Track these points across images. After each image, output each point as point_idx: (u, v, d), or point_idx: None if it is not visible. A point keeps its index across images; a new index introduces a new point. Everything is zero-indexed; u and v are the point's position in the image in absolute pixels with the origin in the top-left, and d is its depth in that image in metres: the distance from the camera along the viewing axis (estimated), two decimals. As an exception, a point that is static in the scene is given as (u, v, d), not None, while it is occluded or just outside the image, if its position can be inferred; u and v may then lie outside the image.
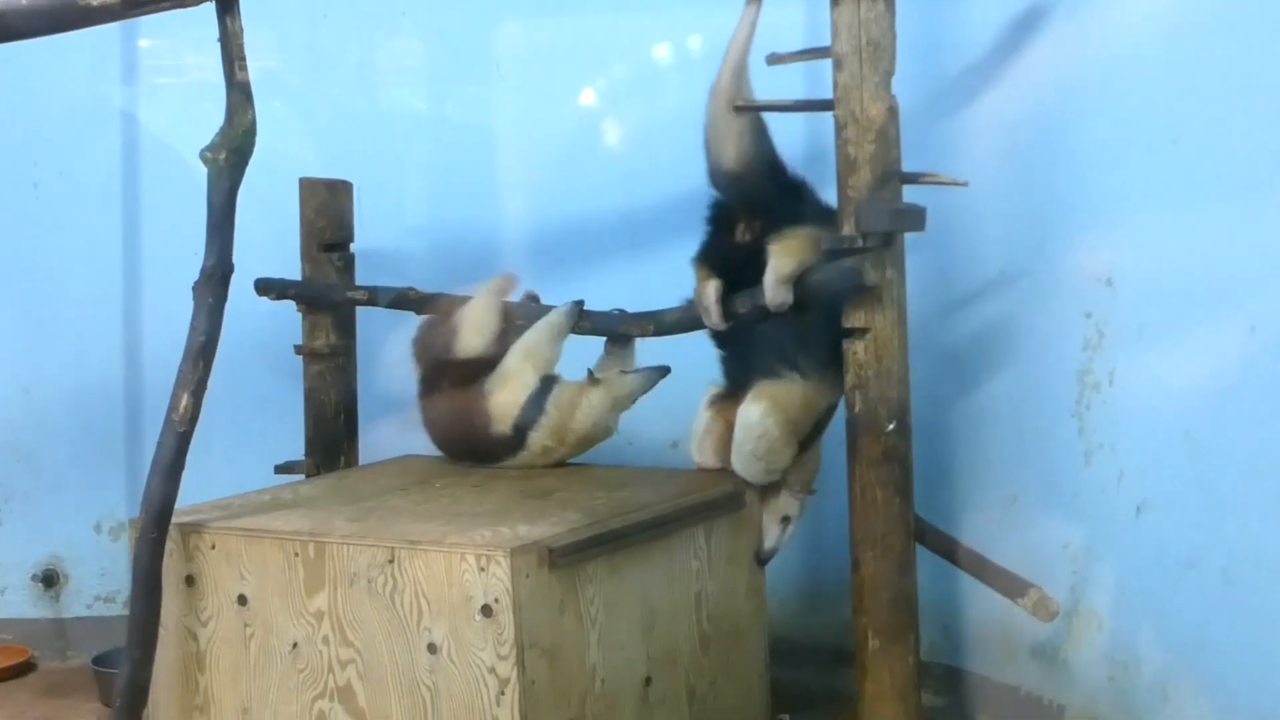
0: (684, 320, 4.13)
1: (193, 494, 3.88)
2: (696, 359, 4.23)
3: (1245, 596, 3.44)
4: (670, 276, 4.33)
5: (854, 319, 3.88)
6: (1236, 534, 3.46)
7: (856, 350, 3.88)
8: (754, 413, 3.95)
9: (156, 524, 3.63)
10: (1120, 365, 3.86)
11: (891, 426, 3.87)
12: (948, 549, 3.97)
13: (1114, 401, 3.88)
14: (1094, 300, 3.90)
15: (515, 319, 4.35)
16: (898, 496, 3.89)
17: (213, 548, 3.70)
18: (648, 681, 3.68)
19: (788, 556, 4.34)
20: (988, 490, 4.28)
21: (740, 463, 4.01)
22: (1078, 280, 3.95)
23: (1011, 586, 3.76)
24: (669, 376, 4.26)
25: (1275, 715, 3.33)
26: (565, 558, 3.43)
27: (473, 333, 4.31)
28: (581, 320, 4.33)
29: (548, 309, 4.33)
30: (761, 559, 4.09)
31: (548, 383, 4.22)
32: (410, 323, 4.57)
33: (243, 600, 3.66)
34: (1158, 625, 3.74)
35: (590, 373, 4.25)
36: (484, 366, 4.26)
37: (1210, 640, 3.57)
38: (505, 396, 4.20)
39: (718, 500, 3.95)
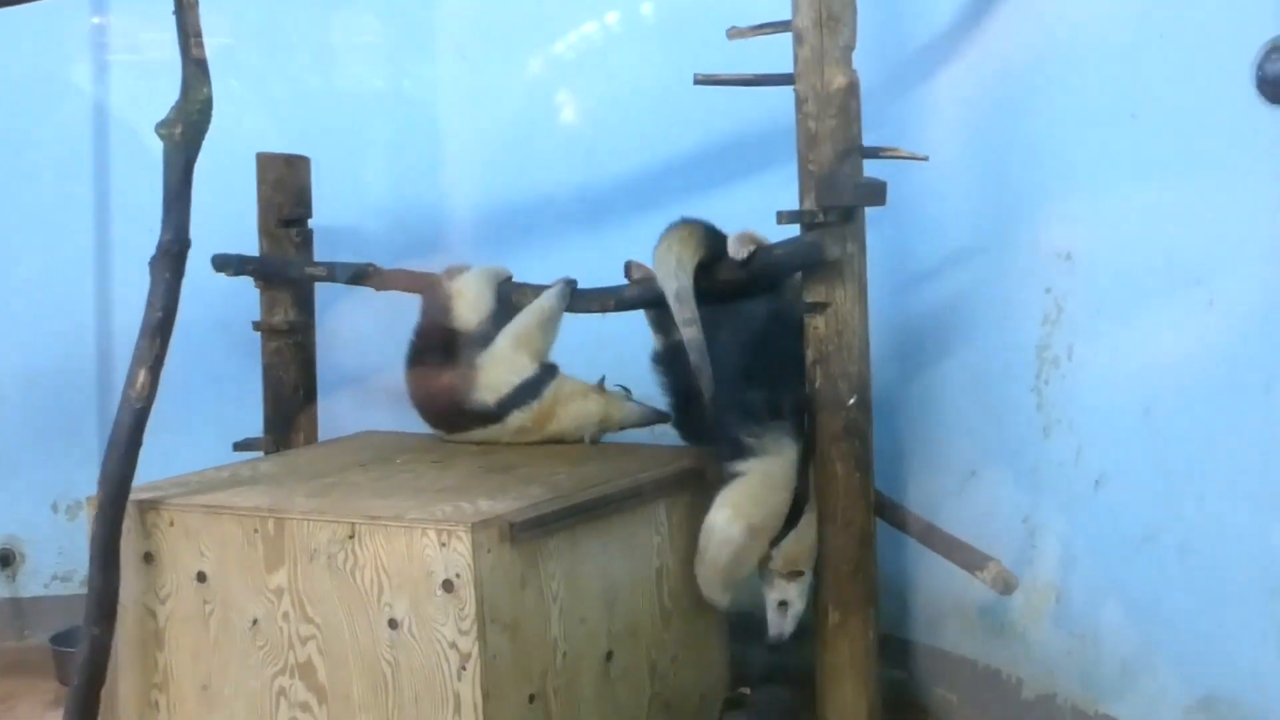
0: (643, 296, 4.12)
1: (151, 472, 3.85)
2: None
3: (1202, 570, 3.46)
4: (629, 251, 4.32)
5: (814, 294, 3.89)
6: (1193, 508, 3.48)
7: (817, 325, 3.89)
8: (718, 520, 3.81)
9: (114, 501, 3.61)
10: (1079, 340, 3.87)
11: (852, 401, 3.88)
12: (907, 523, 3.99)
13: (1073, 376, 3.90)
14: (1053, 275, 3.92)
15: (509, 298, 4.34)
16: (858, 471, 3.90)
17: (171, 525, 3.68)
18: (609, 656, 3.68)
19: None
20: (947, 465, 4.29)
21: (701, 573, 3.91)
22: (1037, 255, 3.96)
23: (970, 560, 3.77)
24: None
25: (1232, 688, 3.36)
26: (526, 533, 3.43)
27: (468, 309, 4.30)
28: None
29: (540, 289, 4.31)
30: (768, 645, 3.96)
31: (549, 371, 4.23)
32: (369, 299, 4.55)
33: (202, 577, 3.64)
34: (1116, 599, 3.76)
35: (602, 381, 4.27)
36: (476, 340, 4.25)
37: (1168, 614, 3.59)
38: (496, 375, 4.20)
39: (679, 476, 3.95)
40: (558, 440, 4.24)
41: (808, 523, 3.86)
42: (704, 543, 3.84)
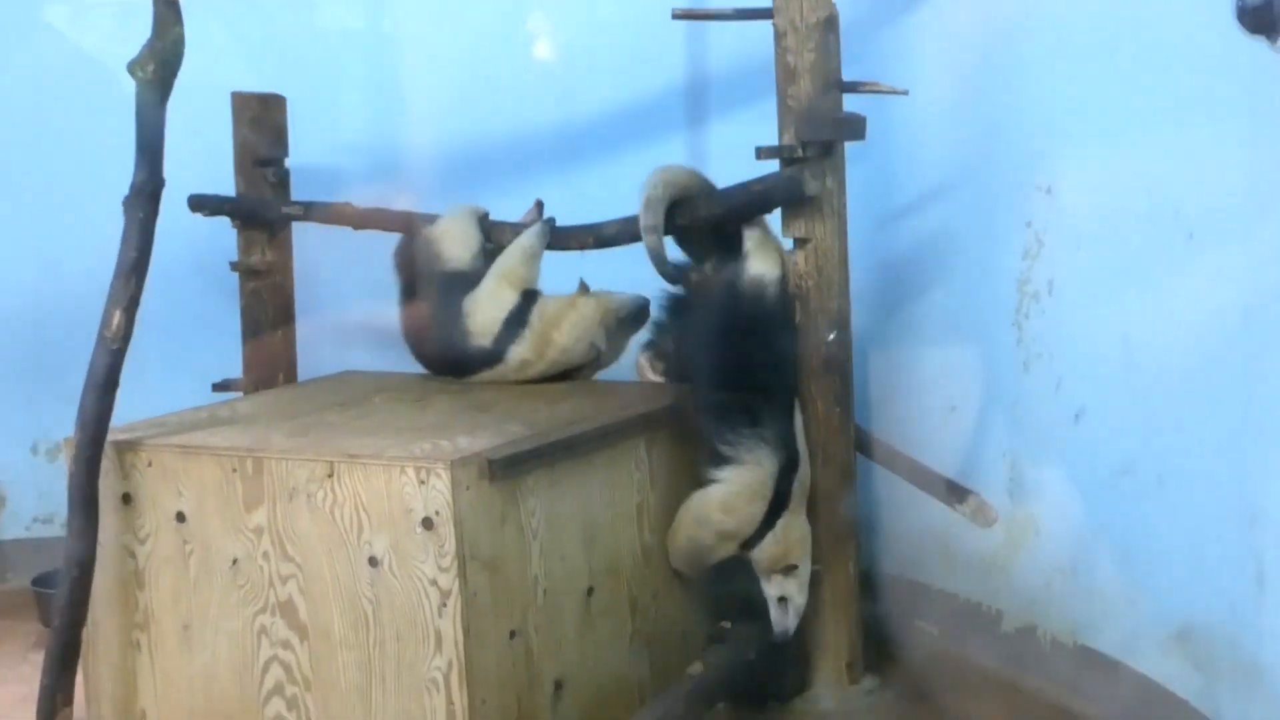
0: (623, 233, 4.10)
1: (129, 414, 3.84)
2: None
3: (1180, 501, 3.47)
4: (607, 189, 4.31)
5: (794, 229, 3.88)
6: (1172, 439, 3.49)
7: (797, 261, 3.88)
8: (684, 519, 3.86)
9: (92, 443, 3.59)
10: (1059, 274, 3.87)
11: (831, 337, 3.88)
12: (887, 458, 3.99)
13: (1053, 311, 3.90)
14: (1034, 209, 3.91)
15: (504, 238, 4.32)
16: (838, 406, 3.91)
17: (149, 465, 3.67)
18: (590, 592, 3.69)
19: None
20: (927, 400, 4.30)
21: (670, 549, 3.91)
22: (1018, 189, 3.96)
23: (951, 494, 3.79)
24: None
25: (1210, 618, 3.38)
26: (506, 470, 3.42)
27: (459, 248, 4.27)
28: (519, 235, 4.30)
29: (521, 227, 4.29)
30: (775, 640, 3.92)
31: (530, 297, 4.20)
32: (347, 238, 4.52)
33: (181, 517, 3.63)
34: (1095, 531, 3.78)
35: (582, 281, 4.23)
36: (467, 281, 4.23)
37: (1146, 545, 3.61)
38: (485, 315, 4.17)
39: (659, 413, 3.94)
40: (568, 370, 4.20)
41: (788, 524, 3.81)
42: (672, 530, 3.87)
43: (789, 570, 3.83)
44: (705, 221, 3.94)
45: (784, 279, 3.87)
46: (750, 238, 3.89)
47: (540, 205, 4.32)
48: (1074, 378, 3.83)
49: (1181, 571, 3.48)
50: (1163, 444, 3.53)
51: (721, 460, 3.78)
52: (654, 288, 4.10)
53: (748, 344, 3.80)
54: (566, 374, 4.23)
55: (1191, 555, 3.44)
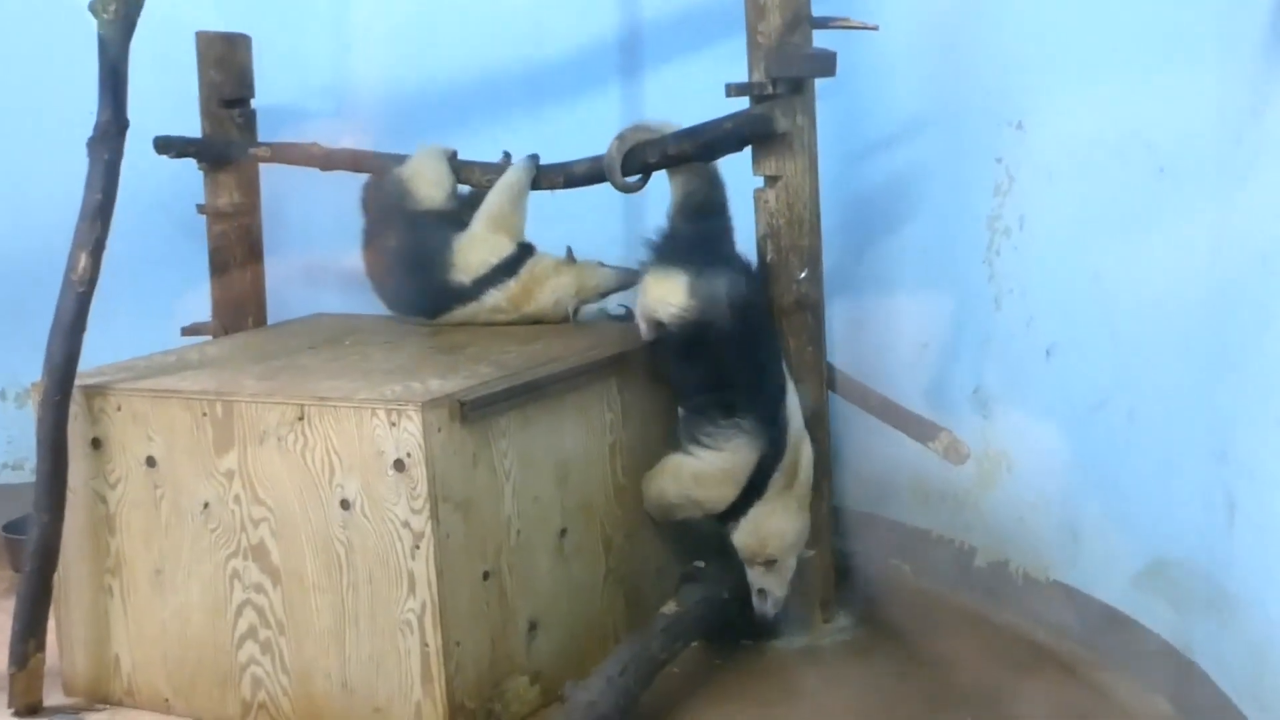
0: (593, 172, 4.08)
1: (98, 358, 3.82)
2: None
3: (1151, 434, 3.49)
4: (574, 128, 4.28)
5: (764, 167, 3.86)
6: (1143, 374, 3.50)
7: (768, 198, 3.86)
8: (651, 482, 3.87)
9: (60, 387, 3.57)
10: (1030, 210, 3.86)
11: (803, 275, 3.87)
12: (859, 395, 3.99)
13: (1024, 246, 3.89)
14: (1005, 144, 3.90)
15: (485, 179, 4.28)
16: (809, 344, 3.90)
17: (118, 410, 3.65)
18: (563, 533, 3.69)
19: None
20: (898, 336, 4.29)
21: (645, 492, 3.92)
22: (988, 124, 3.94)
23: (923, 431, 3.78)
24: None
25: (1181, 552, 3.40)
26: (477, 411, 3.41)
27: (431, 187, 4.24)
28: (489, 175, 4.27)
29: (490, 168, 4.25)
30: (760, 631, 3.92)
31: (525, 250, 4.18)
32: (315, 179, 4.49)
33: (151, 462, 3.62)
34: (1066, 466, 3.79)
35: (569, 251, 4.21)
36: (443, 221, 4.20)
37: (1118, 479, 3.62)
38: (474, 257, 4.15)
39: (631, 353, 3.93)
40: (537, 321, 4.19)
41: (763, 515, 3.76)
42: (649, 475, 3.87)
43: (769, 564, 3.79)
44: (675, 160, 3.91)
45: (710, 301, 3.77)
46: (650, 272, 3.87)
47: (508, 157, 4.29)
48: (1045, 314, 3.83)
49: (1153, 506, 3.49)
50: (1134, 379, 3.54)
51: (698, 443, 3.77)
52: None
53: (717, 356, 3.75)
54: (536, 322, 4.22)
55: (1163, 489, 3.45)
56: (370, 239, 4.33)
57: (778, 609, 3.85)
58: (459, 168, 4.28)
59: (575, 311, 4.21)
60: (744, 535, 3.79)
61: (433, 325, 4.21)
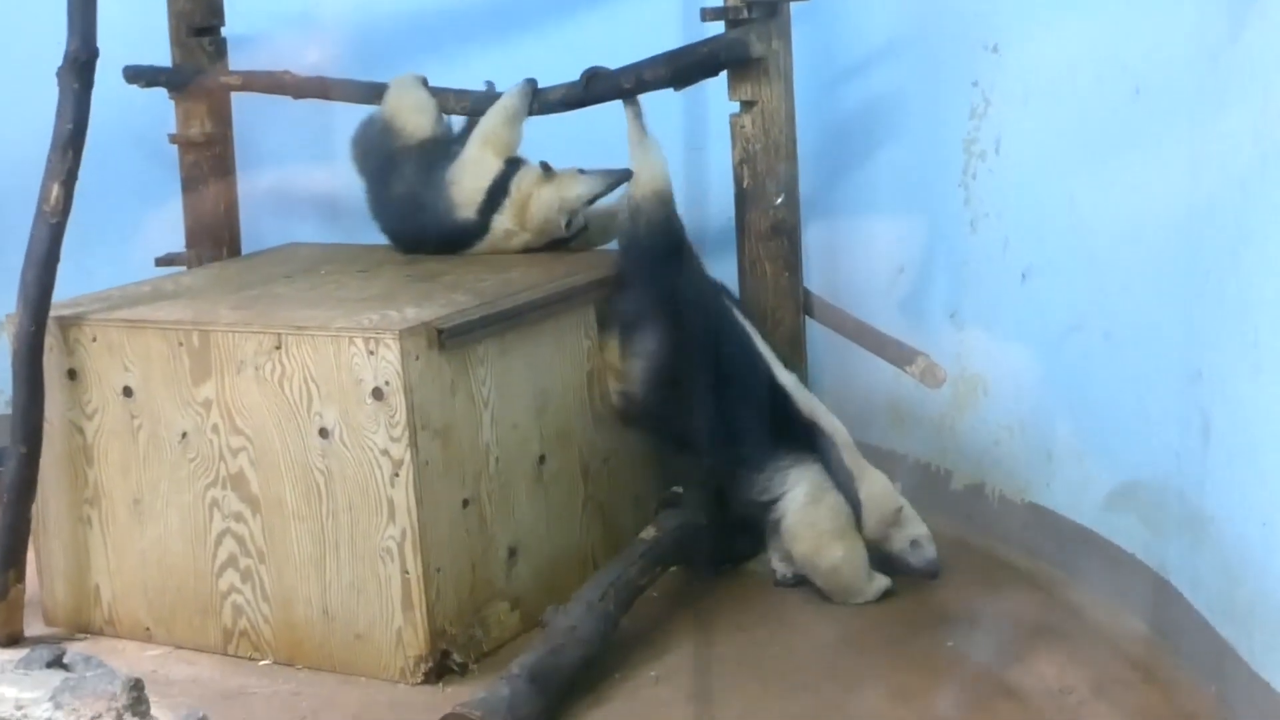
0: (569, 96, 4.06)
1: (72, 290, 3.81)
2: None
3: (1126, 356, 3.50)
4: (543, 56, 4.25)
5: (740, 92, 3.85)
6: (1117, 295, 3.51)
7: (743, 124, 3.85)
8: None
9: (34, 318, 3.56)
10: (1006, 133, 3.86)
11: (779, 200, 3.87)
12: (836, 320, 4.00)
13: (1000, 170, 3.89)
14: (980, 68, 3.89)
15: (460, 105, 4.24)
16: (786, 270, 3.90)
17: (94, 340, 3.64)
18: (541, 459, 3.70)
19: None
20: (875, 261, 4.30)
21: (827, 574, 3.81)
22: (964, 48, 3.93)
23: (899, 355, 3.79)
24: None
25: (1155, 472, 3.42)
26: (455, 339, 3.41)
27: (418, 116, 4.20)
28: (463, 101, 4.24)
29: (494, 95, 4.21)
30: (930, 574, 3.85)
31: (513, 165, 4.12)
32: (286, 107, 4.46)
33: (128, 392, 3.61)
34: (1042, 389, 3.81)
35: (544, 165, 4.14)
36: (438, 149, 4.16)
37: (1093, 401, 3.64)
38: (469, 183, 4.10)
39: (608, 279, 3.92)
40: (546, 235, 4.12)
41: (865, 493, 3.76)
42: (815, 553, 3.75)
43: (897, 516, 3.76)
44: (650, 85, 3.90)
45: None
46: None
47: (491, 86, 4.25)
48: (1021, 237, 3.84)
49: (1128, 427, 3.51)
50: (1109, 301, 3.55)
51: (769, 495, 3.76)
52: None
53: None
54: (556, 245, 4.15)
55: (1138, 411, 3.47)
56: (372, 184, 4.27)
57: (932, 543, 3.78)
58: (433, 94, 4.25)
59: (569, 225, 4.12)
60: (873, 519, 3.75)
61: (414, 255, 4.17)
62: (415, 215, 4.18)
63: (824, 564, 3.72)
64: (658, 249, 3.84)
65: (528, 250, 4.13)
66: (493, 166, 4.10)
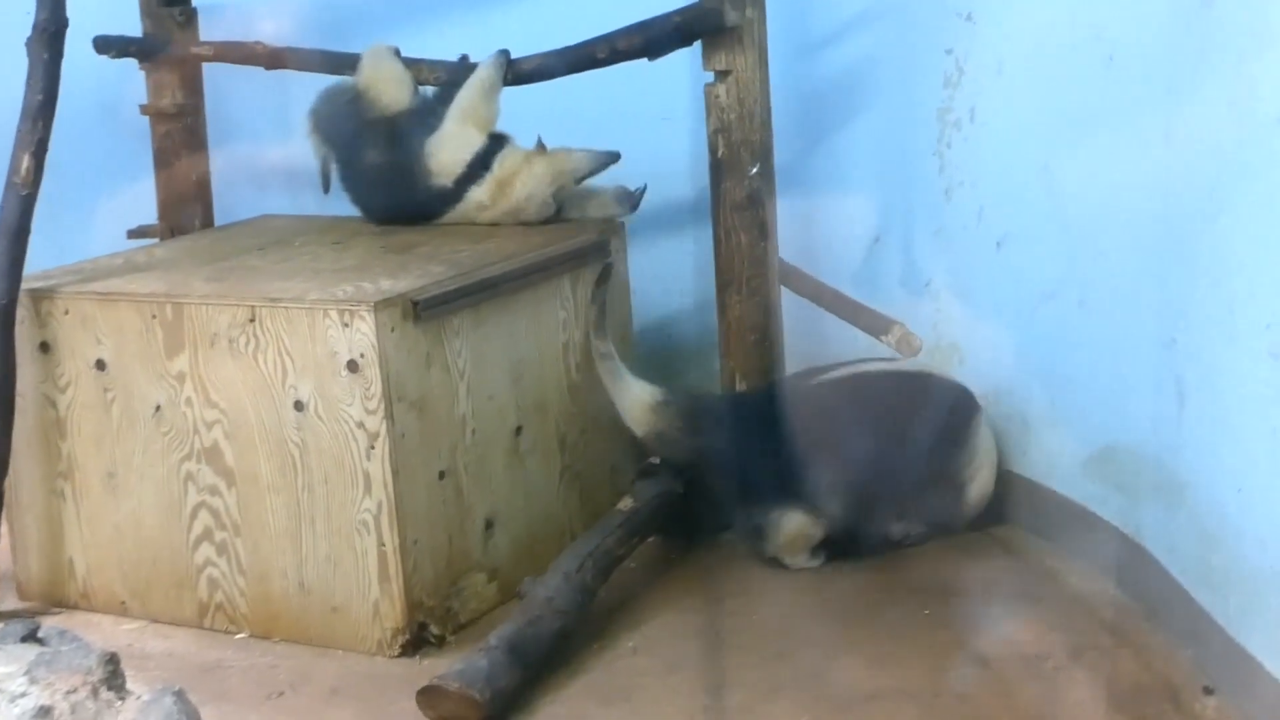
0: (543, 67, 4.04)
1: (43, 262, 3.78)
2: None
3: (1101, 323, 3.51)
4: (516, 26, 4.23)
5: (714, 61, 3.84)
6: (1092, 263, 3.52)
7: (718, 93, 3.84)
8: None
9: (6, 292, 3.54)
10: (980, 102, 3.86)
11: (754, 170, 3.86)
12: (812, 290, 4.00)
13: (974, 138, 3.89)
14: (954, 36, 3.88)
15: (434, 76, 4.22)
16: (761, 240, 3.90)
17: (66, 313, 3.61)
18: (518, 431, 3.69)
19: (650, 306, 4.36)
20: (850, 230, 4.29)
21: None
22: (938, 16, 3.92)
23: (875, 324, 3.80)
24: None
25: (1131, 439, 3.43)
26: (430, 310, 3.40)
27: (395, 88, 4.17)
28: (436, 72, 4.22)
29: (467, 65, 4.18)
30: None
31: (497, 141, 4.10)
32: (258, 78, 4.43)
33: (101, 365, 3.59)
34: (1018, 356, 3.82)
35: (540, 140, 4.13)
36: (415, 120, 4.14)
37: (1068, 368, 3.65)
38: (449, 155, 4.08)
39: (584, 249, 3.92)
40: (518, 215, 4.10)
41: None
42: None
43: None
44: (625, 56, 3.88)
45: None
46: None
47: (465, 59, 4.23)
48: (995, 205, 3.84)
49: (1103, 393, 3.52)
50: (1084, 269, 3.55)
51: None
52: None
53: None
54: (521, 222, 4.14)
55: (1113, 377, 3.48)
56: (344, 159, 4.24)
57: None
58: (407, 65, 4.22)
59: (558, 203, 4.11)
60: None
61: (389, 227, 4.16)
62: (389, 185, 4.16)
63: None
64: None
65: (493, 225, 4.11)
66: (475, 141, 4.08)
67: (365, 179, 4.20)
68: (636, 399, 3.80)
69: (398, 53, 4.23)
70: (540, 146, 4.11)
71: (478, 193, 4.09)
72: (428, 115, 4.15)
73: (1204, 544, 3.09)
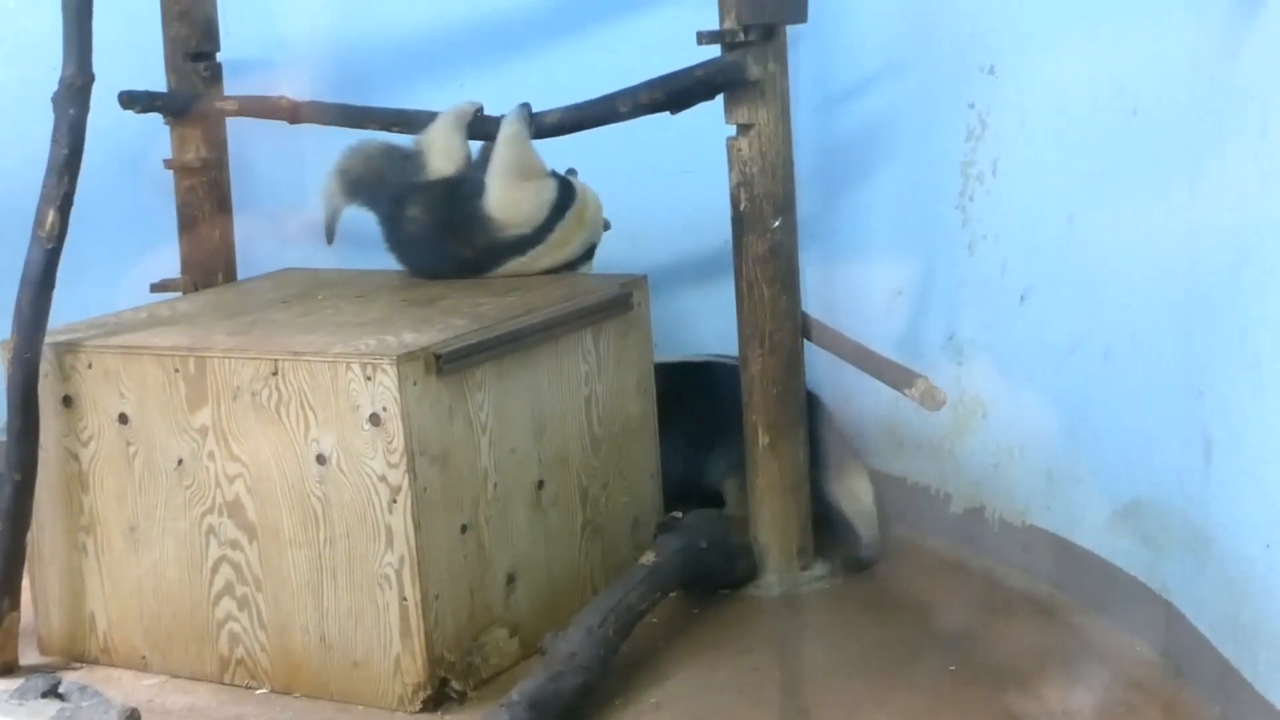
0: (565, 121, 4.05)
1: (67, 316, 3.79)
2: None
3: (1125, 377, 3.49)
4: (542, 78, 4.24)
5: (737, 115, 3.84)
6: (1118, 316, 3.50)
7: (740, 147, 3.84)
8: None
9: (29, 344, 3.55)
10: (1003, 154, 3.86)
11: (777, 223, 3.86)
12: (835, 343, 3.99)
13: (997, 191, 3.89)
14: (977, 90, 3.89)
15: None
16: (784, 293, 3.89)
17: (90, 367, 3.62)
18: (540, 485, 3.68)
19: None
20: (873, 284, 4.29)
21: None
22: (960, 70, 3.93)
23: (898, 378, 3.78)
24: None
25: (1157, 493, 3.41)
26: (453, 363, 3.40)
27: (443, 159, 4.18)
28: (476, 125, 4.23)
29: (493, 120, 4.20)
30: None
31: (565, 179, 4.17)
32: (283, 133, 4.45)
33: (124, 419, 3.59)
34: (1041, 411, 3.79)
35: (571, 170, 4.22)
36: (461, 183, 4.15)
37: (1092, 422, 3.63)
38: (524, 209, 4.10)
39: (605, 303, 3.91)
40: (588, 243, 4.19)
41: None
42: None
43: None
44: (648, 109, 3.89)
45: None
46: None
47: (480, 109, 4.25)
48: (1019, 258, 3.83)
49: (1129, 447, 3.50)
50: (1108, 321, 3.54)
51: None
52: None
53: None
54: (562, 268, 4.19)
55: (1138, 431, 3.46)
56: (386, 211, 4.23)
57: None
58: (483, 121, 4.20)
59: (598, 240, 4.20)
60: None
61: (408, 279, 4.16)
62: (443, 239, 4.15)
63: None
64: None
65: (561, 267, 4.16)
66: (547, 186, 4.12)
67: (416, 236, 4.19)
68: None
69: (478, 111, 4.22)
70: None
71: (562, 226, 4.12)
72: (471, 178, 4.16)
73: (1231, 599, 3.06)
